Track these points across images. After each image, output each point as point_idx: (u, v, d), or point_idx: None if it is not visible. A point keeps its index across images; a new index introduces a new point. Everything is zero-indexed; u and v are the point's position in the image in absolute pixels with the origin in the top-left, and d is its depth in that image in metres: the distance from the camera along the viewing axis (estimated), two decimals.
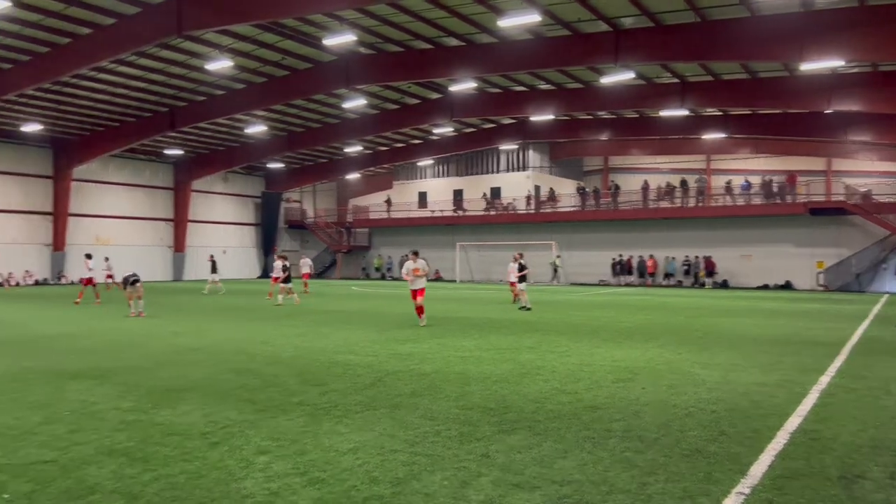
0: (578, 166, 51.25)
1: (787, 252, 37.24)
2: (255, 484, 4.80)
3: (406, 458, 5.42)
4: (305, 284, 30.18)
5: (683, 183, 40.84)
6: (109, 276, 28.44)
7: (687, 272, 39.86)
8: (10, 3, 20.78)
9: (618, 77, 28.10)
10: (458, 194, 49.61)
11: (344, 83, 29.31)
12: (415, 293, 15.87)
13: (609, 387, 8.40)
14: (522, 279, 21.45)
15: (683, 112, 33.80)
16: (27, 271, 38.82)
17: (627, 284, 40.55)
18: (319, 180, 53.86)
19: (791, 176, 38.97)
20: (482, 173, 49.76)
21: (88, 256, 24.70)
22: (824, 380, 8.96)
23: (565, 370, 9.62)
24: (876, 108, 27.66)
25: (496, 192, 47.65)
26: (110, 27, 24.18)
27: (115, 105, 34.25)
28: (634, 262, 41.03)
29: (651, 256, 40.65)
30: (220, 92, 33.05)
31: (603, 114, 37.55)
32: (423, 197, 51.65)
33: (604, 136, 40.97)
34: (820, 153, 40.48)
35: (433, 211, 49.52)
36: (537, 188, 46.40)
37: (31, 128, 35.42)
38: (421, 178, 52.82)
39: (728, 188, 40.02)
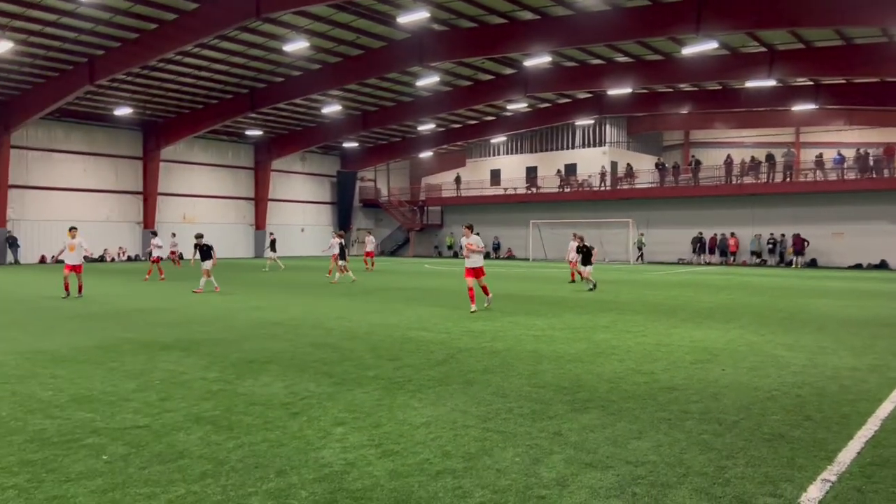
0: (657, 141, 49.73)
1: (882, 229, 35.07)
2: (333, 454, 4.95)
3: (478, 433, 5.47)
4: (369, 262, 30.19)
5: (770, 157, 38.91)
6: (173, 253, 29.31)
7: (772, 251, 38.19)
8: None
9: (700, 47, 26.97)
10: (531, 171, 49.08)
11: (417, 61, 29.37)
12: (468, 272, 14.19)
13: (687, 368, 8.19)
14: (587, 261, 20.05)
15: (771, 82, 32.16)
16: (121, 248, 41.09)
17: (708, 263, 39.24)
18: (393, 159, 54.40)
19: (888, 148, 36.45)
20: (556, 150, 49.00)
21: (154, 234, 25.37)
22: None
23: (641, 350, 9.44)
24: None
25: (571, 169, 46.86)
26: (193, 12, 25.05)
27: (199, 88, 35.55)
28: (717, 241, 39.63)
29: (733, 234, 39.14)
30: (297, 73, 33.77)
31: (684, 86, 36.21)
32: (495, 174, 51.37)
33: (684, 110, 39.56)
34: None
35: (506, 189, 49.21)
36: (614, 164, 45.34)
37: (123, 111, 37.24)
38: (494, 155, 52.51)
39: (819, 162, 37.88)
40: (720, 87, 36.07)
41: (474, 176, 52.17)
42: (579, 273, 22.01)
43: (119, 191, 41.72)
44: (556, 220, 45.10)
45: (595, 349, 9.50)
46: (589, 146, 47.20)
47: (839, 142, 40.37)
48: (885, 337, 10.77)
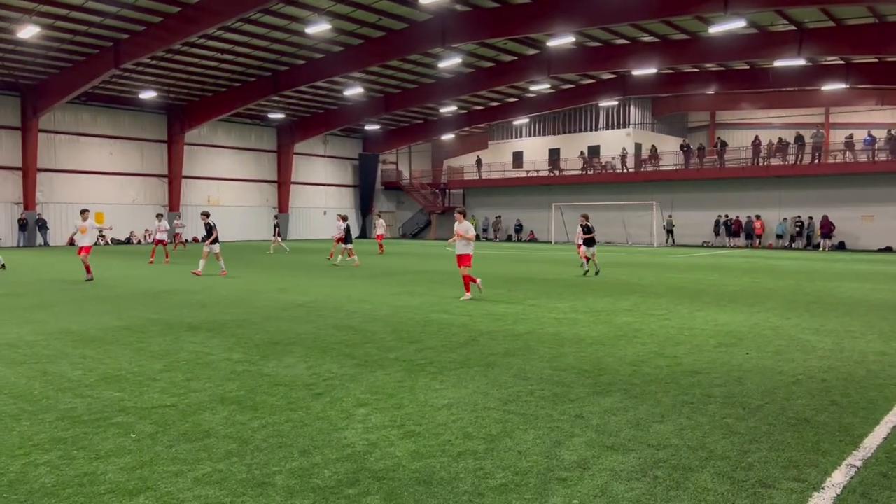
0: (682, 122, 49.01)
1: None
2: (355, 434, 5.01)
3: (499, 415, 5.49)
4: (380, 246, 29.82)
5: (799, 138, 38.13)
6: (178, 236, 29.31)
7: (799, 233, 37.58)
8: None
9: (727, 26, 26.45)
10: (554, 153, 48.69)
11: (439, 42, 29.18)
12: (458, 259, 13.41)
13: (710, 351, 8.13)
14: (590, 243, 18.87)
15: (800, 62, 31.47)
16: (147, 230, 41.64)
17: (734, 246, 38.75)
18: (415, 141, 54.29)
19: None
20: (580, 131, 48.51)
21: (159, 217, 25.19)
22: None
23: (664, 333, 9.38)
24: None
25: (594, 151, 46.40)
26: None
27: (222, 71, 35.73)
28: (741, 223, 39.08)
29: (759, 217, 38.56)
30: (319, 55, 33.76)
31: (710, 66, 35.59)
32: (518, 156, 51.06)
33: (710, 90, 38.90)
34: None
35: (528, 171, 48.91)
36: (638, 146, 44.78)
37: (148, 95, 37.58)
38: (516, 137, 52.15)
39: (849, 143, 37.06)
40: (747, 67, 35.38)
41: (496, 158, 51.90)
42: (585, 258, 21.31)
43: (145, 174, 42.23)
44: (579, 203, 44.72)
45: (617, 332, 9.46)
46: (613, 128, 46.66)
47: (870, 122, 39.43)
48: None
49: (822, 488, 4.05)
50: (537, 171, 48.28)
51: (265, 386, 6.44)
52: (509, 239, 49.44)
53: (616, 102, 44.96)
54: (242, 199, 47.32)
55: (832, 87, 35.18)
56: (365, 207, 53.58)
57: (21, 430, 5.12)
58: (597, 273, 18.72)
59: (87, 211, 17.52)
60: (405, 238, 53.78)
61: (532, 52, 34.06)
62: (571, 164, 46.66)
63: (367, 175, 53.67)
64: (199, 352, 8.06)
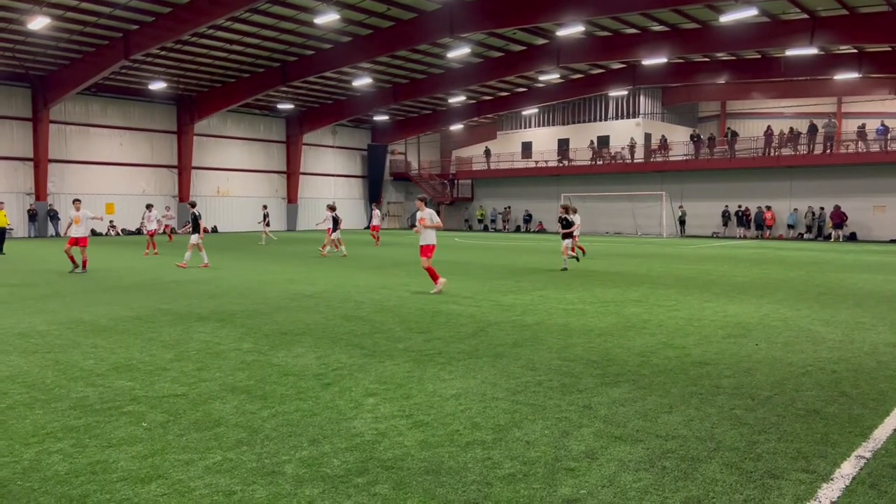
0: (692, 112, 48.69)
1: None
2: (364, 424, 5.04)
3: (507, 406, 5.50)
4: (376, 237, 29.49)
5: (812, 128, 37.77)
6: (168, 227, 29.18)
7: (810, 225, 37.30)
8: None
9: (738, 15, 26.20)
10: (563, 144, 48.50)
11: (448, 32, 29.06)
12: (422, 250, 12.76)
13: (719, 342, 8.11)
14: (567, 235, 17.84)
15: (812, 51, 31.14)
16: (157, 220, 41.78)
17: (744, 237, 38.54)
18: (423, 132, 54.19)
19: None
20: (589, 121, 48.29)
21: (149, 207, 24.81)
22: None
23: (673, 324, 9.36)
24: None
25: (604, 141, 46.19)
26: None
27: (231, 62, 35.74)
28: (752, 214, 38.84)
29: (769, 208, 38.32)
30: (327, 46, 33.71)
31: (721, 55, 35.29)
32: (527, 147, 50.89)
33: (721, 80, 38.58)
34: None
35: (537, 161, 48.77)
36: (648, 136, 44.54)
37: (157, 86, 37.66)
38: (525, 127, 51.97)
39: (861, 133, 36.70)
40: (759, 56, 35.05)
41: (505, 148, 51.76)
42: (579, 248, 21.19)
43: (155, 165, 42.38)
44: (589, 193, 44.63)
45: (626, 323, 9.44)
46: (622, 118, 46.40)
47: (883, 112, 39.00)
48: None
49: (831, 479, 4.04)
50: (546, 161, 48.12)
51: (275, 376, 6.48)
52: (518, 230, 49.37)
53: (626, 92, 44.69)
54: (252, 190, 47.44)
55: (845, 76, 34.82)
56: (374, 198, 53.58)
57: (34, 418, 5.18)
58: (564, 269, 17.38)
59: (80, 201, 17.19)
60: (413, 228, 53.74)
61: (541, 41, 33.87)
62: (581, 154, 46.47)
63: (375, 166, 53.66)
64: (208, 342, 8.11)
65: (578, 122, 48.85)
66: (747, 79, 38.59)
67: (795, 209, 37.81)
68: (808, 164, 37.07)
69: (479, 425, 5.01)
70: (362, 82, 39.70)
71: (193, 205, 19.25)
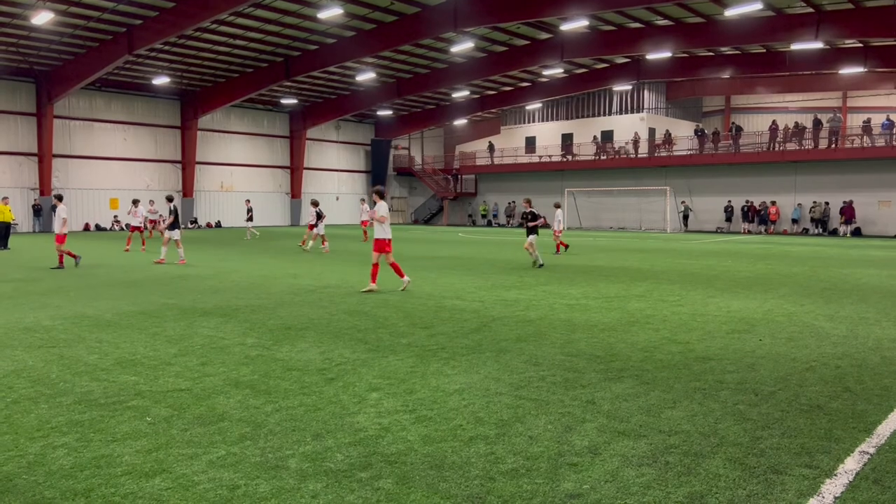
0: (696, 107, 48.53)
1: None
2: (368, 419, 5.05)
3: (511, 401, 5.51)
4: (365, 233, 29.02)
5: (817, 123, 37.63)
6: (153, 222, 29.02)
7: (815, 220, 37.19)
8: None
9: (743, 8, 26.10)
10: (567, 138, 48.41)
11: (452, 26, 29.00)
12: (376, 244, 12.14)
13: (723, 338, 8.10)
14: (532, 231, 17.09)
15: (817, 45, 30.99)
16: (161, 216, 41.83)
17: (748, 232, 38.45)
18: (427, 127, 54.14)
19: None
20: (593, 116, 48.18)
21: (135, 203, 24.50)
22: None
23: (677, 320, 9.35)
24: None
25: (608, 136, 46.08)
26: None
27: (234, 56, 35.72)
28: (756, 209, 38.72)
29: (774, 203, 38.21)
30: (331, 40, 33.67)
31: (725, 50, 35.15)
32: (530, 142, 50.81)
33: (725, 74, 38.46)
34: None
35: (541, 156, 48.68)
36: (652, 130, 44.42)
37: (161, 81, 37.67)
38: (529, 122, 51.86)
39: (867, 128, 36.56)
40: (763, 51, 34.92)
41: (509, 143, 51.66)
42: (562, 244, 21.41)
43: (159, 160, 42.43)
44: (593, 188, 44.55)
45: (629, 318, 9.44)
46: (626, 112, 46.27)
47: (888, 106, 38.88)
48: None
49: (835, 475, 4.04)
50: (550, 156, 48.04)
51: (278, 370, 6.49)
52: (520, 226, 49.28)
53: (630, 87, 44.57)
54: (256, 185, 47.47)
55: (850, 70, 34.66)
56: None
57: (39, 412, 5.20)
58: (540, 265, 16.52)
59: (61, 197, 17.15)
60: (417, 224, 53.80)
61: (545, 36, 33.77)
62: (584, 149, 46.39)
63: (379, 161, 53.64)
64: (212, 336, 8.13)
65: (582, 116, 48.72)
66: (752, 73, 38.44)
67: (800, 204, 37.69)
68: (812, 158, 36.95)
69: (483, 420, 5.01)
70: (366, 77, 39.66)
71: (170, 199, 19.03)
